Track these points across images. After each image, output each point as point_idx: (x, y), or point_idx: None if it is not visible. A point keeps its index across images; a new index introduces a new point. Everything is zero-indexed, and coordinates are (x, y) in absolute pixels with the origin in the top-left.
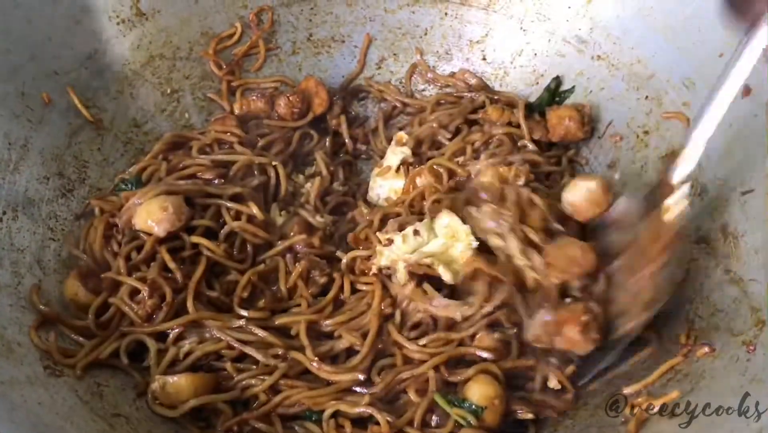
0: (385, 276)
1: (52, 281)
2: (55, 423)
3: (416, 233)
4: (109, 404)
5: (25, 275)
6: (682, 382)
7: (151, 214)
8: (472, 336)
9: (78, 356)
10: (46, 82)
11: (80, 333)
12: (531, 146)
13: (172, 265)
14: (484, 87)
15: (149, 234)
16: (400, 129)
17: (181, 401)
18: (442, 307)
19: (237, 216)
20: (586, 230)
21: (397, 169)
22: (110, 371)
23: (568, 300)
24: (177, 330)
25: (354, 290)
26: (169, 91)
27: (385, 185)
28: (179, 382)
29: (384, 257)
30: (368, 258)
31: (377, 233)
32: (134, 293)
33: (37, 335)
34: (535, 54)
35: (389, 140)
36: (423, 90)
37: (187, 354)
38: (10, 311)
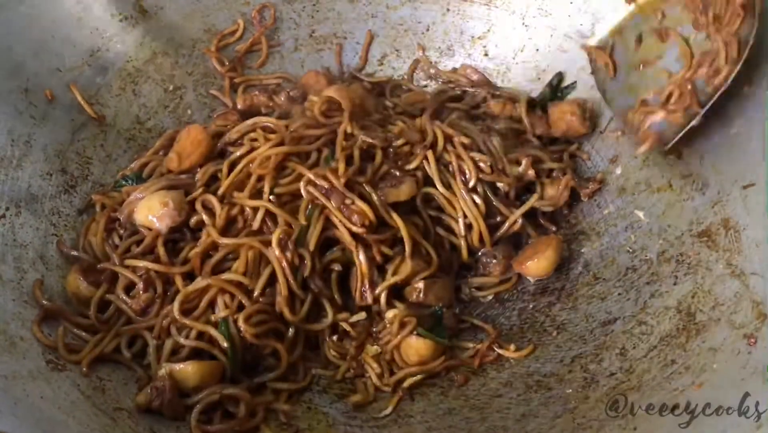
0: None
1: (54, 276)
2: (57, 417)
3: None
4: (111, 399)
5: (28, 271)
6: (684, 375)
7: (152, 210)
8: None
9: (83, 352)
10: (49, 78)
11: (83, 328)
12: (534, 141)
13: (164, 260)
14: (486, 82)
15: (150, 229)
16: None
17: (189, 388)
18: None
19: None
20: None
21: None
22: (112, 365)
23: None
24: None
25: None
26: (171, 87)
27: None
28: (186, 369)
29: None
30: None
31: None
32: (130, 287)
33: (40, 330)
34: (537, 49)
35: None
36: (425, 86)
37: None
38: (13, 306)
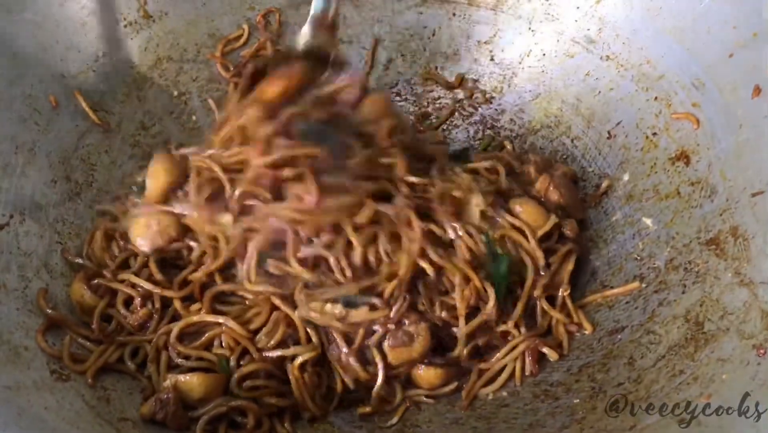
0: None
1: (59, 284)
2: (61, 428)
3: None
4: (116, 409)
5: (32, 279)
6: (692, 386)
7: (138, 230)
8: None
9: (88, 362)
10: (53, 85)
11: (87, 338)
12: None
13: (158, 278)
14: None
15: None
16: None
17: (194, 400)
18: None
19: None
20: None
21: None
22: (117, 375)
23: None
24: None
25: None
26: (176, 93)
27: None
28: (191, 381)
29: None
30: None
31: None
32: (129, 301)
33: (44, 339)
34: (544, 54)
35: None
36: (438, 98)
37: (187, 357)
38: (17, 315)
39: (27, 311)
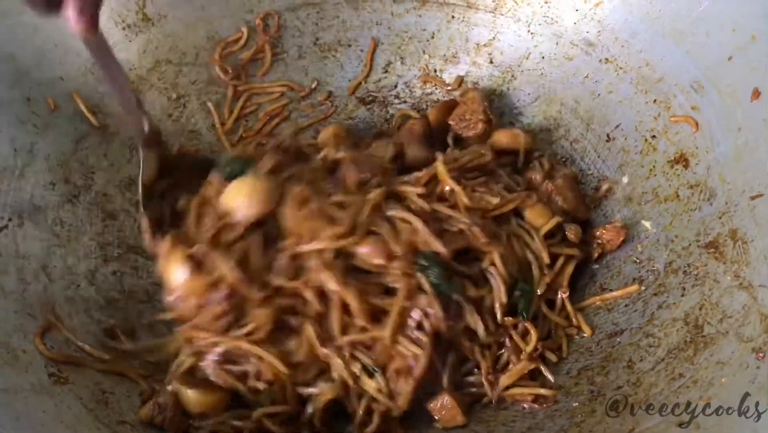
0: None
1: (57, 287)
2: (59, 432)
3: None
4: (115, 412)
5: (30, 282)
6: (691, 389)
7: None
8: None
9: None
10: (51, 87)
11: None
12: None
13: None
14: None
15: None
16: None
17: (191, 413)
18: None
19: None
20: None
21: None
22: (116, 377)
23: None
24: None
25: None
26: (175, 96)
27: None
28: (190, 396)
29: None
30: None
31: None
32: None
33: (42, 342)
34: (543, 57)
35: None
36: (430, 94)
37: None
38: (15, 318)
39: (25, 313)
